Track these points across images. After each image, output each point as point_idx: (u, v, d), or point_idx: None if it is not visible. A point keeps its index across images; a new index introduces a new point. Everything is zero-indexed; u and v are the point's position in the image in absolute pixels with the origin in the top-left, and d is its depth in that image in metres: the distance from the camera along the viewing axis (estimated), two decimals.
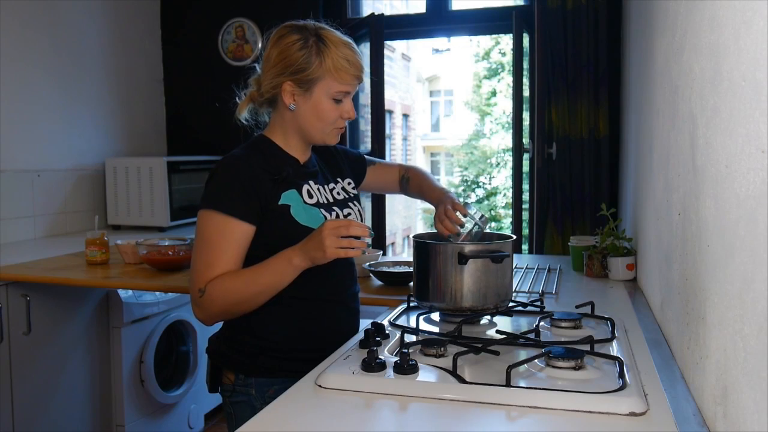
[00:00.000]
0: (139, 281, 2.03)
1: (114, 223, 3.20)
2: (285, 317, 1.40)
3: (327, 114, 1.40)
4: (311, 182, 1.46)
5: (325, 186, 1.50)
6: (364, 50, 3.52)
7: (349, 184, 1.59)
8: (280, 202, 1.38)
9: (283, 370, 1.39)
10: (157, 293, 2.55)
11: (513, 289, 1.56)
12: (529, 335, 1.20)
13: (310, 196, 1.43)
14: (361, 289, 1.82)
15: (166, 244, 2.20)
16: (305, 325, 1.42)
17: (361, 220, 1.50)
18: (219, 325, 1.50)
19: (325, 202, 1.46)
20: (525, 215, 3.18)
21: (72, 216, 3.08)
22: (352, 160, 1.67)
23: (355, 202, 1.55)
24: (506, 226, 12.26)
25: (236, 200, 1.34)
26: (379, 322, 1.34)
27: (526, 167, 3.15)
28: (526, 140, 3.10)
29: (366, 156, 1.71)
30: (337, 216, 1.46)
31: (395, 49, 12.46)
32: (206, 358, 1.50)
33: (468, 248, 1.36)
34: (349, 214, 1.50)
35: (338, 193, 1.52)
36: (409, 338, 1.24)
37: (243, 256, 1.36)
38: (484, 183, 13.97)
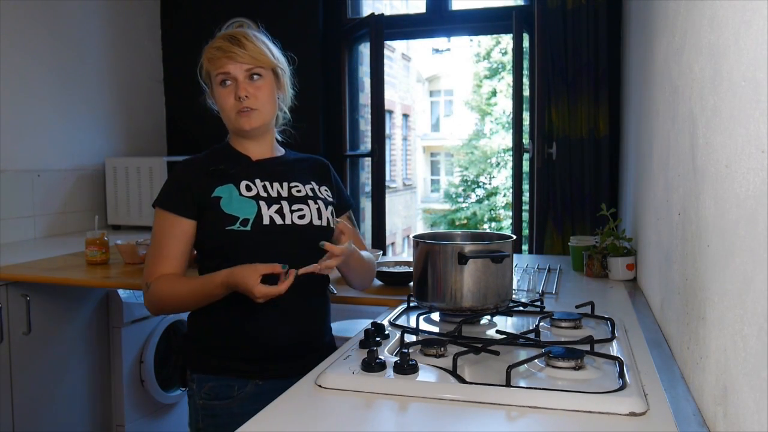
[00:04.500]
0: (138, 281, 2.03)
1: (114, 223, 3.20)
2: (222, 316, 1.44)
3: (223, 99, 1.48)
4: (257, 179, 1.48)
5: (282, 183, 1.50)
6: (364, 50, 3.52)
7: (326, 191, 1.57)
8: (212, 195, 1.43)
9: (220, 368, 1.44)
10: None
11: (513, 289, 1.56)
12: (529, 335, 1.20)
13: (249, 189, 1.46)
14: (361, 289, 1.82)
15: None
16: (242, 324, 1.43)
17: (319, 218, 1.48)
18: None
19: (266, 196, 1.46)
20: (525, 215, 3.18)
21: (72, 216, 3.08)
22: (340, 195, 1.64)
23: (317, 201, 1.51)
24: (506, 226, 12.27)
25: (173, 197, 1.45)
26: (379, 322, 1.34)
27: (526, 167, 3.15)
28: (526, 140, 3.11)
29: (350, 214, 1.68)
30: (270, 206, 1.44)
31: (395, 49, 12.46)
32: None
33: (468, 248, 1.36)
34: (301, 209, 1.47)
35: (299, 191, 1.51)
36: (409, 338, 1.24)
37: (186, 250, 1.45)
38: (484, 183, 13.97)
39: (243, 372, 1.43)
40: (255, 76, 1.46)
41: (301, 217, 1.47)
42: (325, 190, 1.58)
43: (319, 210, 1.50)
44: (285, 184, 1.51)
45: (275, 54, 1.52)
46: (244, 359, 1.43)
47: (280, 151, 1.60)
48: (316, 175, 1.60)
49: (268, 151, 1.56)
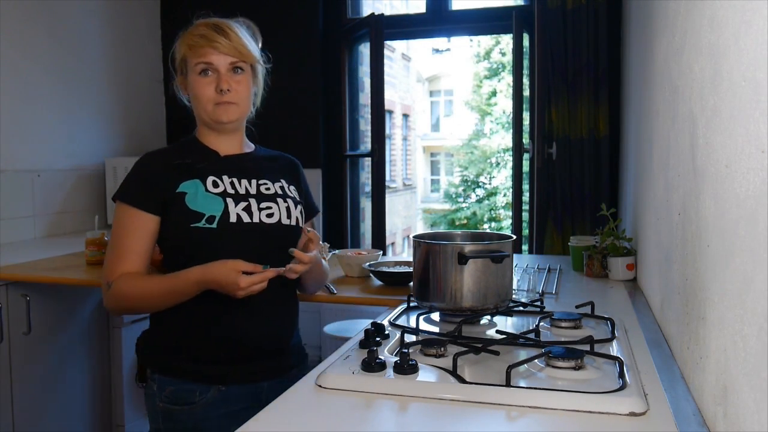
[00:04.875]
0: None
1: None
2: (189, 314, 1.39)
3: (201, 89, 1.42)
4: (225, 176, 1.44)
5: (251, 180, 1.47)
6: (364, 50, 3.52)
7: (294, 190, 1.55)
8: (177, 190, 1.39)
9: (183, 370, 1.40)
10: None
11: (513, 289, 1.56)
12: (529, 335, 1.20)
13: (216, 186, 1.42)
14: (361, 289, 1.82)
15: None
16: (209, 323, 1.39)
17: (288, 217, 1.46)
18: None
19: (233, 193, 1.42)
20: (525, 215, 3.18)
21: (72, 216, 3.08)
22: (307, 198, 1.62)
23: (286, 200, 1.48)
24: (506, 226, 12.27)
25: (136, 190, 1.40)
26: (379, 322, 1.33)
27: (526, 167, 3.15)
28: (526, 140, 3.11)
29: (313, 220, 1.66)
30: (237, 203, 1.41)
31: (395, 49, 12.46)
32: None
33: (468, 248, 1.36)
34: (269, 207, 1.44)
35: (268, 189, 1.48)
36: (409, 338, 1.24)
37: (149, 248, 1.40)
38: (484, 183, 13.98)
39: (206, 376, 1.39)
40: (238, 70, 1.44)
41: (270, 215, 1.43)
42: (294, 189, 1.55)
43: (288, 209, 1.47)
44: (254, 182, 1.47)
45: (256, 49, 1.50)
46: (208, 361, 1.39)
47: (250, 147, 1.56)
48: (285, 173, 1.57)
49: (238, 147, 1.52)
